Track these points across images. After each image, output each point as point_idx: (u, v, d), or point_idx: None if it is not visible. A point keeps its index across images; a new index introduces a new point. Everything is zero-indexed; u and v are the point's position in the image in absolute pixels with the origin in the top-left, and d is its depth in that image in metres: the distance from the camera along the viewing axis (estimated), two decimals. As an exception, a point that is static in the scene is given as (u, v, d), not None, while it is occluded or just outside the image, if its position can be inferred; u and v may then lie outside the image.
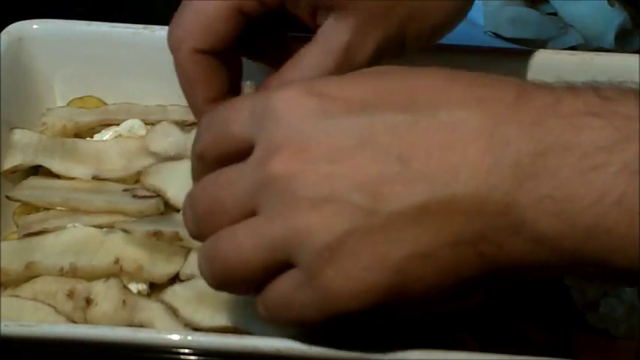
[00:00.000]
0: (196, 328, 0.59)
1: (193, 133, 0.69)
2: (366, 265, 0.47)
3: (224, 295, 0.59)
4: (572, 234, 0.45)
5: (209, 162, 0.53)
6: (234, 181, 0.51)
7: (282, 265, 0.49)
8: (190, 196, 0.54)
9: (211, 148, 0.53)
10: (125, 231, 0.62)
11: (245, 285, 0.51)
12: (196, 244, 0.61)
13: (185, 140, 0.69)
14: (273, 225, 0.48)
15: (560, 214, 0.45)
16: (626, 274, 0.46)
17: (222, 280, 0.52)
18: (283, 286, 0.50)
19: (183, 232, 0.62)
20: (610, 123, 0.45)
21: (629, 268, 0.45)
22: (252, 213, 0.50)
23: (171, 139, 0.69)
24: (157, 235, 0.62)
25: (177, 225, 0.63)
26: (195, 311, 0.59)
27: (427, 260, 0.47)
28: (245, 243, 0.50)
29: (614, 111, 0.45)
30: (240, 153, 0.51)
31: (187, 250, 0.63)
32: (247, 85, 0.64)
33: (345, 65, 0.60)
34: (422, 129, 0.47)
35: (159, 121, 0.73)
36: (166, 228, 0.62)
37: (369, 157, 0.47)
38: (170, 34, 0.62)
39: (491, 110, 0.47)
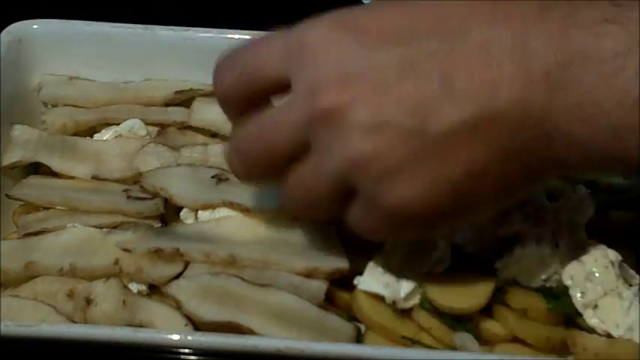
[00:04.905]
0: (199, 322, 0.59)
1: (183, 151, 0.69)
2: (424, 188, 0.50)
3: (228, 291, 0.59)
4: (599, 136, 0.48)
5: (236, 102, 0.56)
6: (280, 123, 0.53)
7: (349, 192, 0.53)
8: (235, 144, 0.57)
9: (238, 89, 0.56)
10: (126, 250, 0.62)
11: (325, 213, 0.56)
12: (198, 256, 0.61)
13: (175, 159, 0.69)
14: (330, 159, 0.51)
15: (588, 118, 0.48)
16: None
17: (305, 214, 0.58)
18: (355, 215, 0.54)
19: (184, 248, 0.62)
20: (624, 28, 0.47)
21: None
22: (304, 149, 0.53)
23: (162, 160, 0.69)
24: (157, 252, 0.62)
25: (178, 239, 0.63)
26: (199, 305, 0.59)
27: (482, 178, 0.50)
28: (312, 183, 0.53)
29: (627, 16, 0.48)
30: (271, 92, 0.54)
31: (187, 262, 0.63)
32: None
33: None
34: (459, 52, 0.49)
35: (159, 122, 0.73)
36: (167, 244, 0.62)
37: (414, 83, 0.49)
38: None
39: (518, 26, 0.49)
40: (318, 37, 0.51)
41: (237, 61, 0.56)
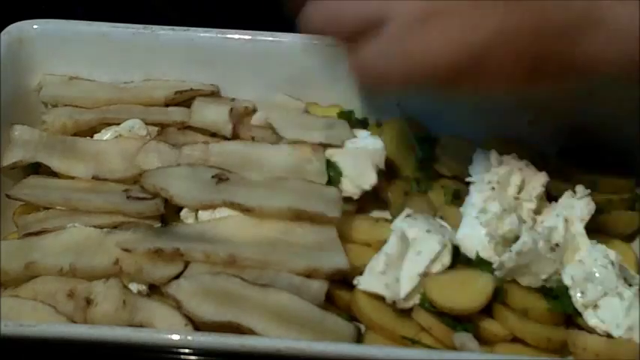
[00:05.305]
0: (199, 322, 0.59)
1: (184, 149, 0.69)
2: (450, 41, 0.52)
3: (228, 291, 0.60)
4: None
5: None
6: None
7: (377, 24, 0.54)
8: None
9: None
10: (126, 250, 0.62)
11: (342, 32, 0.58)
12: (198, 256, 0.61)
13: (176, 157, 0.69)
14: None
15: (632, 15, 0.50)
16: None
17: (325, 24, 0.59)
18: (373, 46, 0.55)
19: (184, 247, 0.62)
20: None
21: None
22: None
23: (163, 157, 0.69)
24: (157, 252, 0.62)
25: (178, 239, 0.63)
26: (199, 305, 0.59)
27: (507, 43, 0.52)
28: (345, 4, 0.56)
29: None
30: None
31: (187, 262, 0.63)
32: None
33: None
34: None
35: (159, 122, 0.73)
36: (167, 244, 0.62)
37: None
38: None
39: None
40: None
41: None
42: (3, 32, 0.74)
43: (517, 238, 0.62)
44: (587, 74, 0.55)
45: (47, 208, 0.67)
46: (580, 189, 0.66)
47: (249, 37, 0.74)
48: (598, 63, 0.52)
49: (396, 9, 0.53)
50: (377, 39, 0.55)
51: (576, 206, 0.64)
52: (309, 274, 0.61)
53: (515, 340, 0.61)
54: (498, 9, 0.51)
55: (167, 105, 0.75)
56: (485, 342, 0.60)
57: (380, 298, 0.61)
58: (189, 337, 0.55)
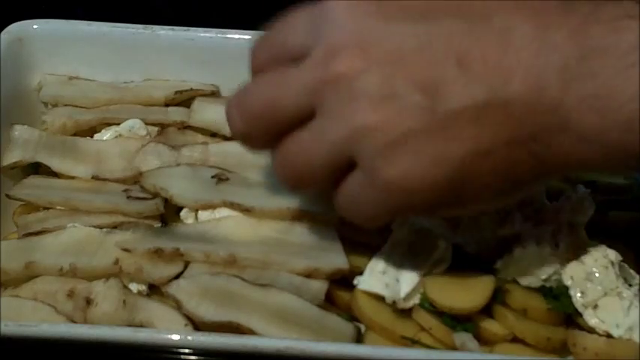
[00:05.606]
0: (199, 322, 0.59)
1: (183, 150, 0.69)
2: (426, 163, 0.49)
3: (228, 291, 0.59)
4: (612, 129, 0.48)
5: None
6: (291, 81, 0.53)
7: (348, 164, 0.52)
8: (240, 95, 0.56)
9: (267, 62, 0.55)
10: (126, 250, 0.62)
11: (317, 185, 0.54)
12: (198, 256, 0.61)
13: (175, 158, 0.69)
14: (335, 125, 0.51)
15: (601, 110, 0.48)
16: None
17: (295, 183, 0.55)
18: (349, 190, 0.53)
19: (184, 248, 0.62)
20: None
21: None
22: (310, 114, 0.52)
23: (162, 159, 0.69)
24: (157, 252, 0.62)
25: (178, 239, 0.63)
26: (199, 305, 0.59)
27: (485, 159, 0.50)
28: (311, 147, 0.52)
29: None
30: (295, 60, 0.53)
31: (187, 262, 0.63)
32: None
33: None
34: (478, 35, 0.49)
35: (159, 122, 0.73)
36: (167, 244, 0.62)
37: (429, 60, 0.49)
38: None
39: (540, 19, 0.49)
40: (341, 5, 0.51)
41: (270, 35, 0.56)
42: (3, 32, 0.74)
43: (517, 237, 0.62)
44: (562, 173, 0.56)
45: (47, 208, 0.67)
46: (580, 189, 0.66)
47: (249, 37, 0.74)
48: (569, 164, 0.51)
49: (364, 146, 0.50)
50: (349, 179, 0.52)
51: (576, 206, 0.64)
52: (309, 274, 0.61)
53: (515, 340, 0.60)
54: (468, 127, 0.49)
55: (167, 105, 0.75)
56: (486, 342, 0.60)
57: (380, 298, 0.60)
58: (189, 337, 0.55)
